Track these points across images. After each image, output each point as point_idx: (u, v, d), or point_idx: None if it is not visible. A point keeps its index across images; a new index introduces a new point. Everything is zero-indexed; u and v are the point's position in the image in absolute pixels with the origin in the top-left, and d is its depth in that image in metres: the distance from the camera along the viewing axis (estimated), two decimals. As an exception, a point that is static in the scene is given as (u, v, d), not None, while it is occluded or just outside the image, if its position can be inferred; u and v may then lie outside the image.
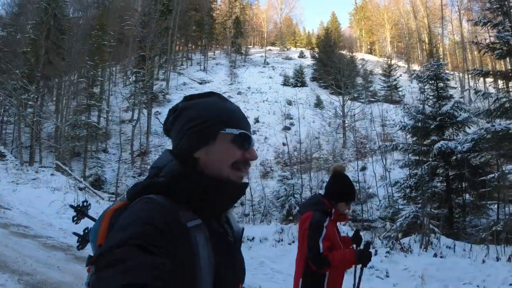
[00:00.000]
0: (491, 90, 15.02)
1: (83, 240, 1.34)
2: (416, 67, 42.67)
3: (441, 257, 6.81)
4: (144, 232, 0.74)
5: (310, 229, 2.40)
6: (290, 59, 45.81)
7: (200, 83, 38.19)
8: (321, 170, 19.71)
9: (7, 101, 22.53)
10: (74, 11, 31.56)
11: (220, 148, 0.90)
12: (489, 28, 10.02)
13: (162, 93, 34.06)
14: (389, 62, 34.58)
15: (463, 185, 10.84)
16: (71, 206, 1.28)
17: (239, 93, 35.59)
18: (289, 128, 29.22)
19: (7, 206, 10.58)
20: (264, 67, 42.80)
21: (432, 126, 11.12)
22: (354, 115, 25.25)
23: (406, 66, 43.07)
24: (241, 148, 0.92)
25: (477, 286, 5.75)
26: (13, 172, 18.12)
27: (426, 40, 38.79)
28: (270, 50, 51.97)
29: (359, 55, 45.25)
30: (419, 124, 11.49)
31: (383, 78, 34.42)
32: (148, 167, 11.49)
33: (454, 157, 10.27)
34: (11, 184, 14.26)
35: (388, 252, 6.95)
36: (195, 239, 0.82)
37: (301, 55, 46.76)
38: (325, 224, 2.42)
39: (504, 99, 9.76)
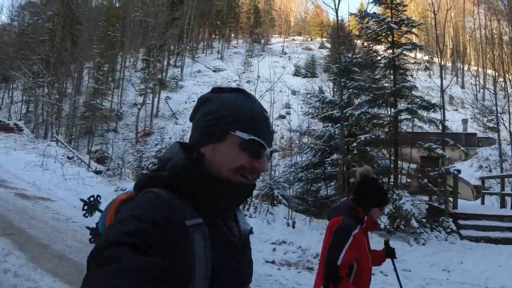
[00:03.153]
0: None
1: (89, 207, 1.33)
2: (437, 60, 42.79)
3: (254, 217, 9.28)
4: (138, 230, 0.74)
5: (335, 234, 2.35)
6: (310, 49, 47.69)
7: (214, 71, 41.56)
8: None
9: (27, 84, 27.33)
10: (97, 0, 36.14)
11: (226, 150, 0.90)
12: (370, 20, 12.03)
13: (175, 80, 37.89)
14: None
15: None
16: (82, 200, 1.27)
17: (248, 81, 38.39)
18: (284, 117, 31.74)
19: (-10, 162, 14.53)
20: (280, 56, 45.19)
21: (327, 114, 13.35)
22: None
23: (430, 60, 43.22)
24: (251, 156, 0.90)
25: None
26: (22, 142, 22.56)
27: (450, 34, 38.79)
28: (293, 40, 54.08)
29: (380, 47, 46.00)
30: (323, 111, 13.73)
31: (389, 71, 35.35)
32: (148, 146, 16.05)
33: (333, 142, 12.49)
34: (8, 150, 18.42)
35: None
36: (193, 238, 0.82)
37: (322, 46, 48.39)
38: (354, 232, 2.35)
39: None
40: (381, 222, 8.69)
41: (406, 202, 8.95)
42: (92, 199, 1.27)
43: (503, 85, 18.95)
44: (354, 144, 10.04)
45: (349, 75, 14.06)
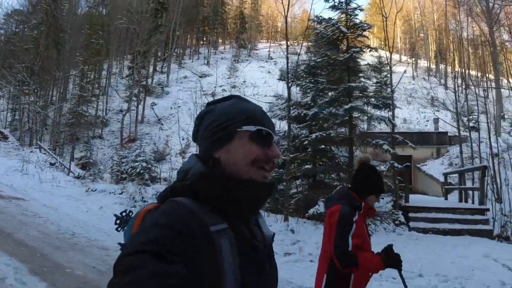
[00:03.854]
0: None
1: (121, 222, 1.25)
2: (425, 63, 44.07)
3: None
4: (161, 237, 0.76)
5: (338, 224, 2.39)
6: (296, 54, 48.65)
7: (200, 77, 42.42)
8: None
9: (13, 92, 28.12)
10: (84, 8, 37.11)
11: (238, 147, 0.95)
12: (324, 25, 12.96)
13: (161, 86, 38.75)
14: (380, 56, 36.36)
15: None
16: (115, 215, 1.21)
17: (234, 86, 39.33)
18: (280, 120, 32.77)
19: (-28, 167, 15.29)
20: (266, 61, 46.21)
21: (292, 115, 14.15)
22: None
23: (414, 62, 44.46)
24: (261, 146, 0.96)
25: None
26: (6, 150, 23.28)
27: (434, 36, 40.08)
28: (280, 45, 55.05)
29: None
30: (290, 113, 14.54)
31: (373, 74, 36.36)
32: (131, 151, 16.83)
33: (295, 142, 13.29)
34: (-9, 156, 19.20)
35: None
36: (219, 244, 0.84)
37: (308, 50, 49.38)
38: (354, 218, 2.41)
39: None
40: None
41: (353, 195, 9.74)
42: (124, 214, 1.24)
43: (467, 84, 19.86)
44: (306, 142, 10.86)
45: (314, 77, 14.94)
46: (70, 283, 4.82)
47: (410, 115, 36.36)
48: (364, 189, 2.56)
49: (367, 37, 12.93)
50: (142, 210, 0.97)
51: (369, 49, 12.45)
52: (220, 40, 55.16)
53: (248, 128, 0.95)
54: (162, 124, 34.27)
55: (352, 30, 12.08)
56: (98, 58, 33.31)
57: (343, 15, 12.76)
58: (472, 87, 19.53)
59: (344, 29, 11.58)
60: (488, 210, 11.12)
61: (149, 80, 37.37)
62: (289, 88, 11.26)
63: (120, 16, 32.24)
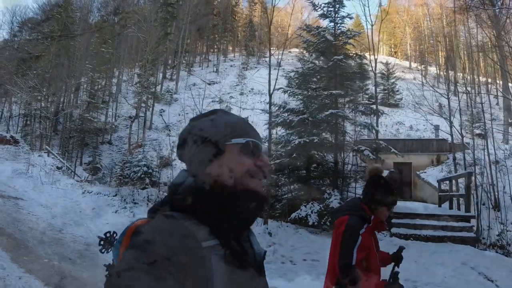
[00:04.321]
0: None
1: (105, 243, 1.26)
2: (434, 70, 44.09)
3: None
4: (153, 254, 0.77)
5: (344, 236, 2.39)
6: (304, 60, 49.18)
7: (209, 84, 43.25)
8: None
9: (24, 98, 29.40)
10: (96, 16, 38.52)
11: (230, 160, 0.96)
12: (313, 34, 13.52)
13: (170, 93, 39.74)
14: (387, 64, 36.67)
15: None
16: (99, 236, 1.22)
17: (241, 93, 40.04)
18: (273, 128, 33.23)
19: (-20, 170, 16.20)
20: (274, 69, 46.70)
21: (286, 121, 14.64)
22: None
23: (424, 69, 44.51)
24: (251, 156, 0.98)
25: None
26: (16, 154, 24.31)
27: (442, 43, 40.17)
28: (290, 52, 55.64)
29: (379, 58, 47.43)
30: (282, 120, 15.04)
31: (381, 81, 36.65)
32: (135, 156, 17.79)
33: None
34: (1, 160, 20.18)
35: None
36: (210, 260, 0.84)
37: (317, 58, 49.90)
38: (361, 231, 2.39)
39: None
40: (310, 218, 9.91)
41: (334, 200, 10.15)
42: (108, 234, 1.23)
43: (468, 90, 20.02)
44: (289, 148, 11.34)
45: (308, 84, 15.42)
46: (44, 271, 5.42)
47: (417, 122, 36.39)
48: (375, 201, 2.53)
49: (353, 45, 13.42)
50: (133, 225, 0.99)
51: (357, 56, 12.88)
52: (230, 48, 56.17)
53: (238, 140, 0.97)
54: (169, 131, 35.04)
55: (339, 38, 12.55)
56: (108, 66, 34.48)
57: (331, 24, 13.28)
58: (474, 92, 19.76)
59: (330, 37, 12.08)
60: (473, 217, 11.08)
61: (158, 87, 38.34)
62: (270, 96, 11.82)
63: (129, 25, 33.31)
